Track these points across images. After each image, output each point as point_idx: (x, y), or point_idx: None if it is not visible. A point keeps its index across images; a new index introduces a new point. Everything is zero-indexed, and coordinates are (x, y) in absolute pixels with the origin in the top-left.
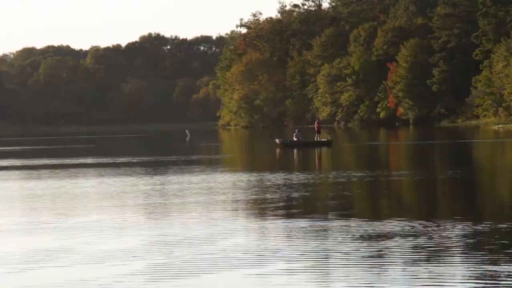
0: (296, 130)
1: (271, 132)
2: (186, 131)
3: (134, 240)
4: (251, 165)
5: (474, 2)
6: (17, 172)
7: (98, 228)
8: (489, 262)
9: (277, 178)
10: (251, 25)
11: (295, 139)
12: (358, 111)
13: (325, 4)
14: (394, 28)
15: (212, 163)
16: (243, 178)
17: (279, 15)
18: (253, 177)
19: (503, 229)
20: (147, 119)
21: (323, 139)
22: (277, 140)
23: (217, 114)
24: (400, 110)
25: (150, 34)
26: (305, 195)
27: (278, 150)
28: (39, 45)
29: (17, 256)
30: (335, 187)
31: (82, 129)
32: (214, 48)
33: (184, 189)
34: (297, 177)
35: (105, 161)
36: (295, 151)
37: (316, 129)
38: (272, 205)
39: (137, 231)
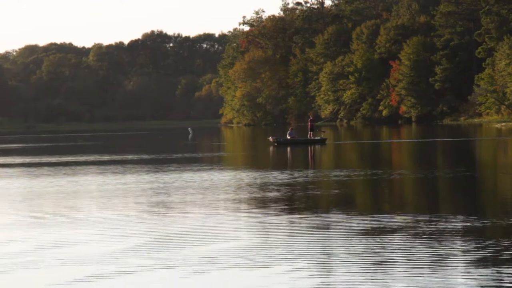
0: (290, 129)
1: (273, 129)
2: (189, 128)
3: (135, 238)
4: (244, 163)
5: (477, 0)
6: (20, 169)
7: (100, 225)
8: (492, 260)
9: (272, 176)
10: (254, 23)
11: (288, 137)
12: (361, 109)
13: (328, 2)
14: (397, 26)
15: (208, 161)
16: (236, 176)
17: (281, 13)
18: (246, 175)
19: (506, 227)
20: (149, 117)
21: (316, 137)
22: (270, 138)
23: (220, 112)
24: (403, 108)
25: (152, 32)
26: (300, 193)
27: (271, 148)
28: (42, 42)
29: (19, 254)
30: (326, 185)
31: (84, 127)
32: (216, 46)
33: (183, 186)
34: (290, 175)
35: (108, 159)
36: (288, 149)
37: (309, 127)
38: (269, 203)
39: (137, 229)
